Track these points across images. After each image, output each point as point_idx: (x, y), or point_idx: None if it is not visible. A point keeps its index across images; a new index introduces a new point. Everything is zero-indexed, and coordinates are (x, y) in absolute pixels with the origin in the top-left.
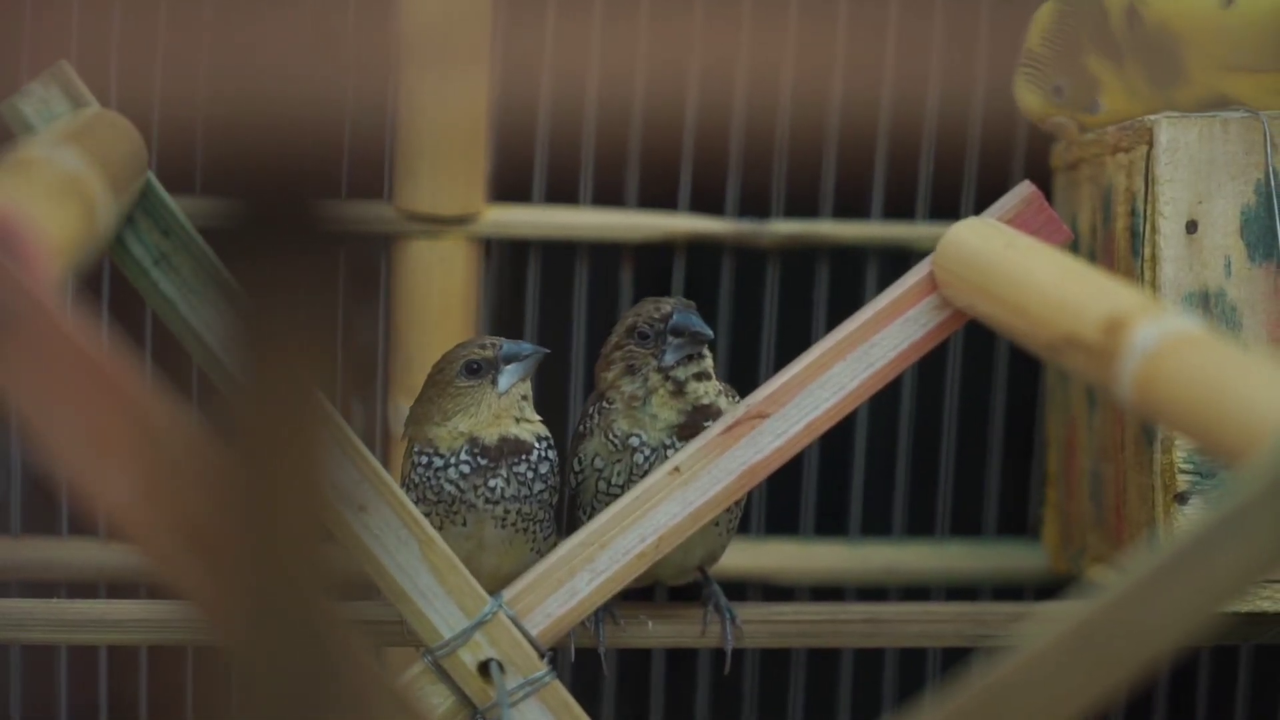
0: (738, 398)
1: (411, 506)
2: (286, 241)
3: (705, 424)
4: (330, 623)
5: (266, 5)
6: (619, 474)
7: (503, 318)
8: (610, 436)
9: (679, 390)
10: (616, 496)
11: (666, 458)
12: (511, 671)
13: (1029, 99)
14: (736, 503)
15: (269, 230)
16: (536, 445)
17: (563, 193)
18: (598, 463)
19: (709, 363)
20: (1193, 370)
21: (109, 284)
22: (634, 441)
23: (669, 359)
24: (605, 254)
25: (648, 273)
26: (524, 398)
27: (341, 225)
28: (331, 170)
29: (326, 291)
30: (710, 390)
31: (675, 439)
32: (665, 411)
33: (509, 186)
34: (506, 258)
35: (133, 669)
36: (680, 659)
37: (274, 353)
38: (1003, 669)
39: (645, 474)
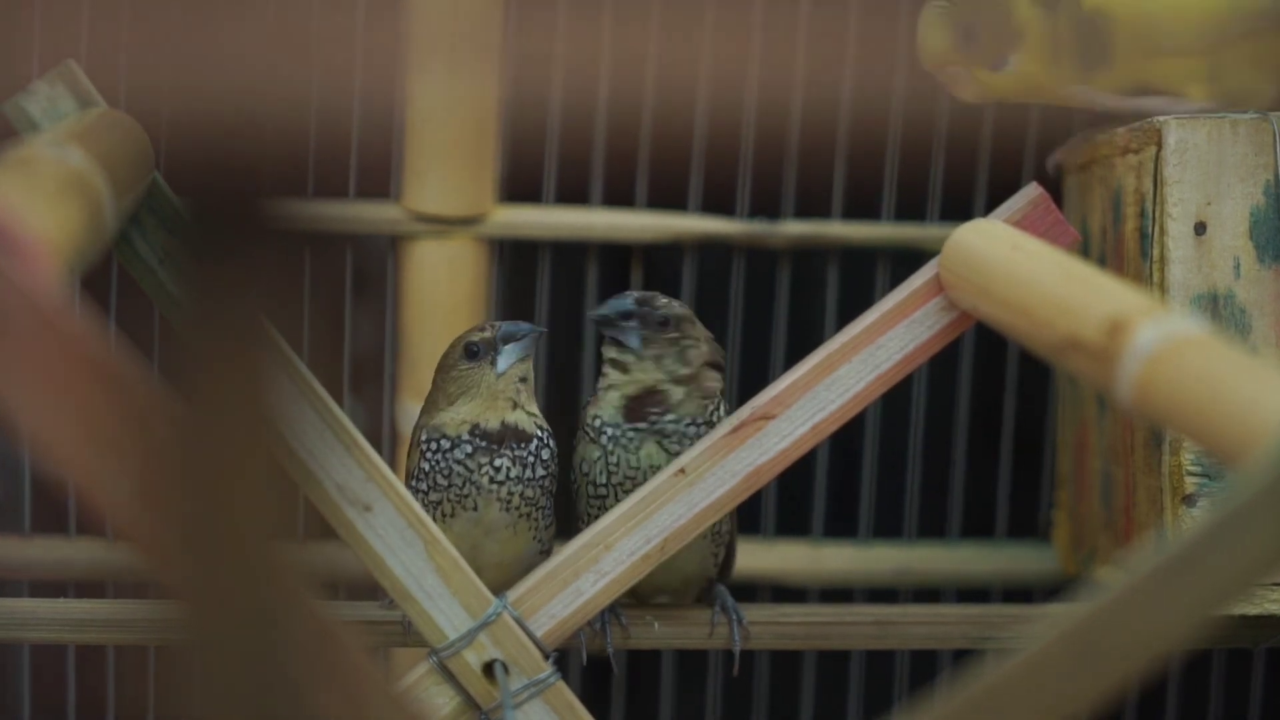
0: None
1: (417, 506)
2: (238, 240)
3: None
4: (284, 577)
5: (273, 5)
6: (600, 470)
7: (512, 319)
8: (585, 428)
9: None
10: (604, 497)
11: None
12: (516, 672)
13: (932, 36)
14: (730, 516)
15: (221, 228)
16: (538, 435)
17: (573, 193)
18: (584, 466)
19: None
20: (1193, 372)
21: (116, 282)
22: (596, 422)
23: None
24: (615, 254)
25: (658, 273)
26: (522, 380)
27: (297, 224)
28: (291, 168)
29: (281, 290)
30: None
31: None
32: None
33: (519, 187)
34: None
35: (140, 668)
36: (689, 661)
37: (225, 339)
38: (1003, 668)
39: (612, 459)
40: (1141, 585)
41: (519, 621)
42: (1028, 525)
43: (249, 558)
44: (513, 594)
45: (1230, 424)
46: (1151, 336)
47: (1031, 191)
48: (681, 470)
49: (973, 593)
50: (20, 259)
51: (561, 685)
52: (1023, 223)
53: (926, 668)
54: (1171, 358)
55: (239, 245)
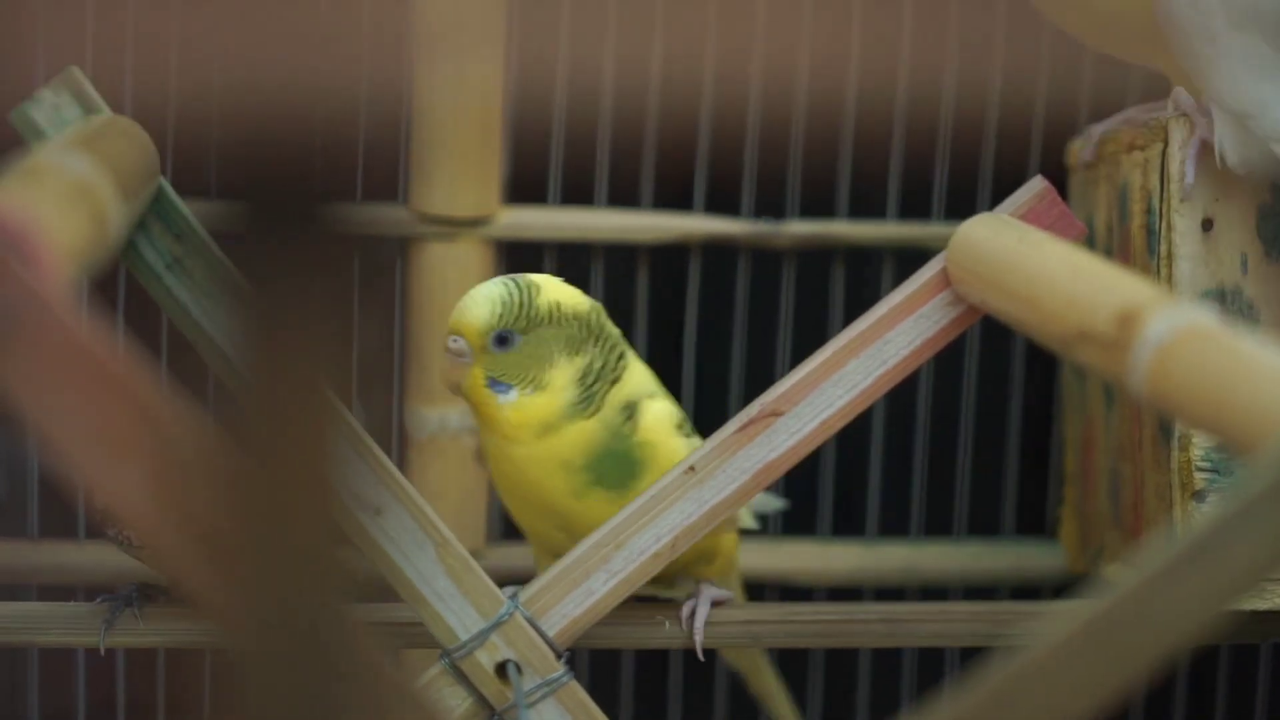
0: None
1: (427, 509)
2: (295, 243)
3: None
4: (342, 624)
5: (278, 4)
6: None
7: None
8: None
9: None
10: None
11: None
12: (529, 672)
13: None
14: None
15: (278, 231)
16: None
17: (578, 194)
18: None
19: None
20: (1205, 362)
21: (124, 289)
22: None
23: None
24: (621, 255)
25: (663, 274)
26: None
27: (352, 226)
28: (341, 170)
29: (337, 293)
30: None
31: None
32: None
33: (524, 188)
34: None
35: (150, 671)
36: (697, 659)
37: (284, 355)
38: (1017, 664)
39: None
40: (1154, 579)
41: (531, 621)
42: (1034, 523)
43: (298, 581)
44: (524, 594)
45: (1243, 414)
46: (1163, 327)
47: (1037, 185)
48: (691, 468)
49: (980, 591)
50: (34, 262)
51: (574, 685)
52: (1029, 216)
53: (934, 666)
54: (1183, 348)
55: (298, 250)
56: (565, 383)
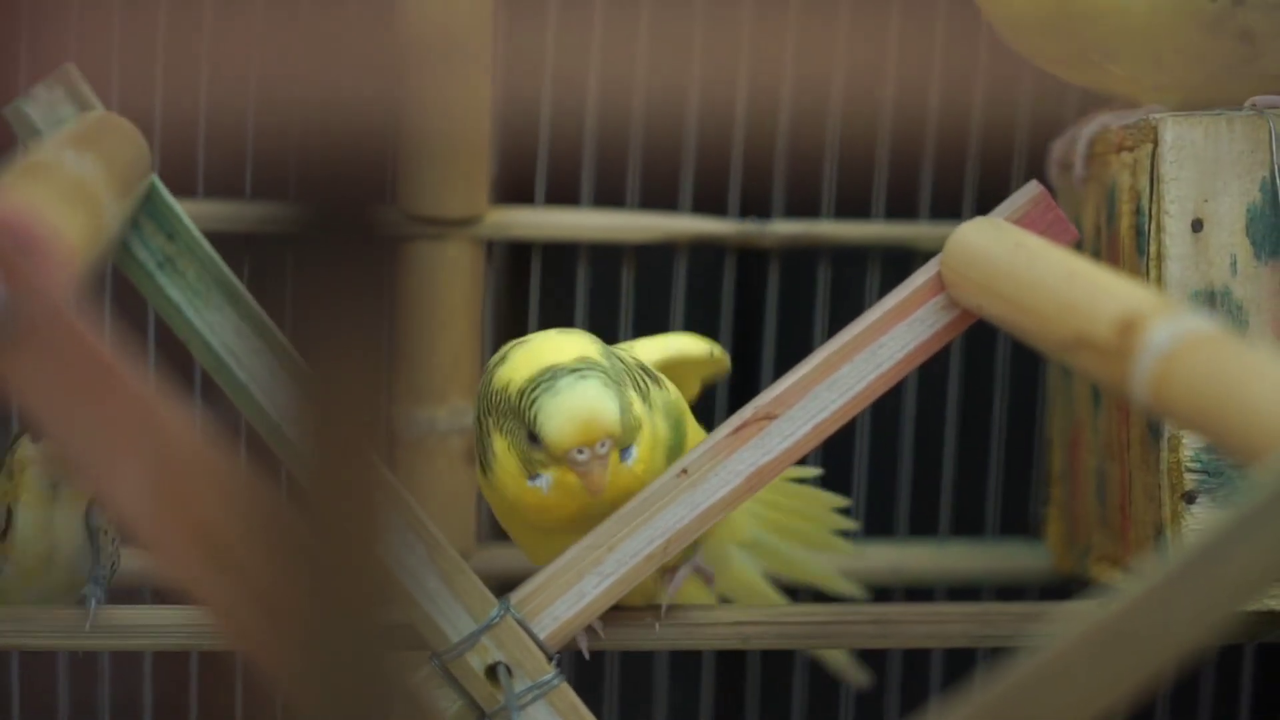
0: None
1: (418, 509)
2: (345, 248)
3: None
4: (388, 675)
5: (271, 7)
6: None
7: (504, 320)
8: None
9: None
10: None
11: None
12: (519, 675)
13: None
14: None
15: (330, 237)
16: None
17: (564, 194)
18: None
19: None
20: (1209, 369)
21: (112, 287)
22: None
23: None
24: (607, 255)
25: (649, 274)
26: None
27: (395, 230)
28: (383, 174)
29: (381, 301)
30: None
31: None
32: None
33: (510, 188)
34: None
35: (135, 673)
36: (683, 659)
37: (336, 405)
38: (1022, 670)
39: None
40: (1159, 587)
41: (522, 624)
42: (1019, 523)
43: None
44: (515, 596)
45: (1249, 421)
46: (1166, 334)
47: (1032, 189)
48: (684, 471)
49: (965, 591)
50: (40, 260)
51: (565, 687)
52: (1023, 220)
53: (920, 666)
54: (1187, 355)
55: (350, 255)
56: (640, 405)
